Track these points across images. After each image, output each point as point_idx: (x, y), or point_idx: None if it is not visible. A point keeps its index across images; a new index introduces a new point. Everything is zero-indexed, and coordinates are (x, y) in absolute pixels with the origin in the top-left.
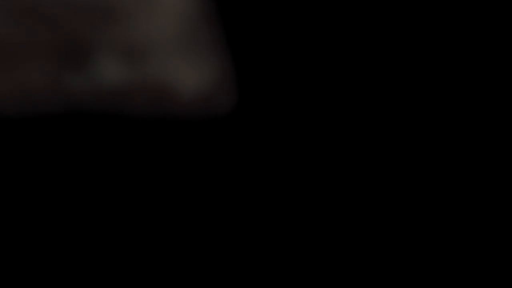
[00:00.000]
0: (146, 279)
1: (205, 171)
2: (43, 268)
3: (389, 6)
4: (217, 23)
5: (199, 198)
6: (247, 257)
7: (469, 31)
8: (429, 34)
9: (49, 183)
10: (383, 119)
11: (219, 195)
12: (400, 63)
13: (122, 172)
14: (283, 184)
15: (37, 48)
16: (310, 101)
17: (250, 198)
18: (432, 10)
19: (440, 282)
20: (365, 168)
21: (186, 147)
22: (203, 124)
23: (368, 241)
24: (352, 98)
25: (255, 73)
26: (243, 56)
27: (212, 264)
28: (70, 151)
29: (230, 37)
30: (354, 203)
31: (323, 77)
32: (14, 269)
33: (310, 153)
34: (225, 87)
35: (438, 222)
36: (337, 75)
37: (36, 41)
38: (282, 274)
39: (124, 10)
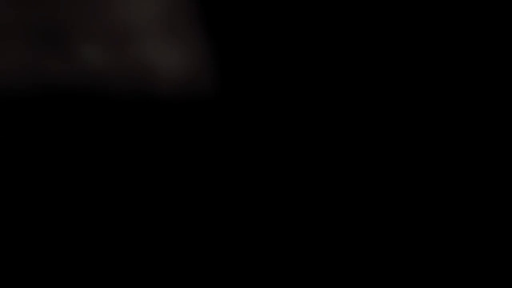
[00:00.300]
0: (120, 258)
1: (186, 153)
2: (23, 248)
3: None
4: (198, 6)
5: (180, 179)
6: (228, 239)
7: (469, 31)
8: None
9: (29, 165)
10: (361, 102)
11: (201, 176)
12: (373, 48)
13: (104, 153)
14: (264, 164)
15: (18, 31)
16: (291, 84)
17: (232, 178)
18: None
19: (440, 282)
20: (344, 152)
21: (167, 129)
22: (184, 106)
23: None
24: (334, 84)
25: (236, 56)
26: (225, 39)
27: (191, 244)
28: (50, 133)
29: (211, 20)
30: (331, 186)
31: (304, 61)
32: None
33: (291, 135)
34: (207, 70)
35: (438, 222)
36: (318, 59)
37: (17, 23)
38: (256, 251)
39: None
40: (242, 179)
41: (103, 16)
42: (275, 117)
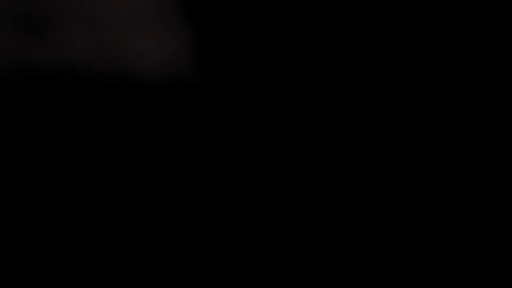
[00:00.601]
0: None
1: (167, 132)
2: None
3: None
4: None
5: (161, 156)
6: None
7: (469, 31)
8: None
9: (9, 149)
10: (337, 88)
11: (181, 153)
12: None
13: (87, 134)
14: (242, 142)
15: (2, 16)
16: (265, 69)
17: (210, 155)
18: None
19: (440, 282)
20: (321, 136)
21: (149, 109)
22: (165, 89)
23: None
24: (306, 69)
25: (214, 43)
26: (204, 27)
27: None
28: (33, 115)
29: (191, 9)
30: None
31: (278, 48)
32: None
33: (265, 115)
34: (187, 55)
35: (438, 222)
36: (292, 47)
37: (1, 9)
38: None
39: None
40: (220, 155)
41: (87, 4)
42: (250, 99)
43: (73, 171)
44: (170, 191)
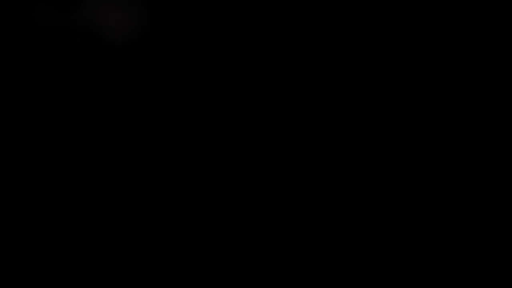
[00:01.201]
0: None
1: (127, 88)
2: None
3: None
4: None
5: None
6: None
7: (468, 31)
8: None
9: None
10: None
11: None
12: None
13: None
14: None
15: None
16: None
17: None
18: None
19: (440, 282)
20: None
21: (112, 68)
22: (125, 51)
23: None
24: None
25: (165, 15)
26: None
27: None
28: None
29: None
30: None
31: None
32: None
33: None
34: (142, 24)
35: (438, 222)
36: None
37: None
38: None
39: None
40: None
41: None
42: (192, 57)
43: (55, 130)
44: (130, 140)
